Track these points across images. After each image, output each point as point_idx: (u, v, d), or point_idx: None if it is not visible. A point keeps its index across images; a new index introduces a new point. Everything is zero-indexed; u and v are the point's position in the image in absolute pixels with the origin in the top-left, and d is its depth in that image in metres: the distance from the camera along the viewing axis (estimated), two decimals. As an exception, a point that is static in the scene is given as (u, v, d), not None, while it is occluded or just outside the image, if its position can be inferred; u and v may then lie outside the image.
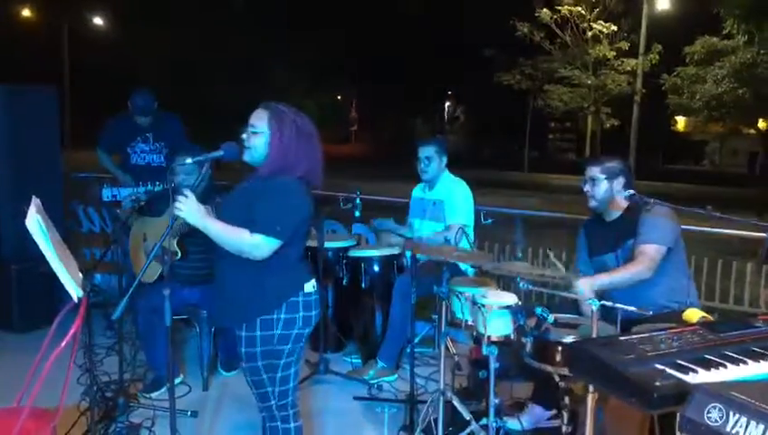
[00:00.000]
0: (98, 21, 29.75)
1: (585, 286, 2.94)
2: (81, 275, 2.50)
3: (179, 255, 3.64)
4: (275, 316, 2.41)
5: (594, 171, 3.18)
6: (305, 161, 2.45)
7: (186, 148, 4.63)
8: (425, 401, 3.34)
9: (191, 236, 3.49)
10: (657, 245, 3.01)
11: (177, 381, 3.75)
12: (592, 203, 3.22)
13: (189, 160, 2.55)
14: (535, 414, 3.35)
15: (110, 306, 4.69)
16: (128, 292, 2.32)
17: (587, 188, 3.22)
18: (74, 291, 2.31)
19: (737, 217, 3.92)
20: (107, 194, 4.03)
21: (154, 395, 3.73)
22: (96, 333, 3.72)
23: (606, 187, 3.16)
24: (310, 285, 2.51)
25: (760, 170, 25.11)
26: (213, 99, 26.70)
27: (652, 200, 3.00)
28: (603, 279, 3.03)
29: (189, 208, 2.34)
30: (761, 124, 20.86)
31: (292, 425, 2.54)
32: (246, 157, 2.48)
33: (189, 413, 3.46)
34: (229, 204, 2.54)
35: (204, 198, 3.02)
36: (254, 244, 2.34)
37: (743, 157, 37.12)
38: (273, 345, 2.42)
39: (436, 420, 3.12)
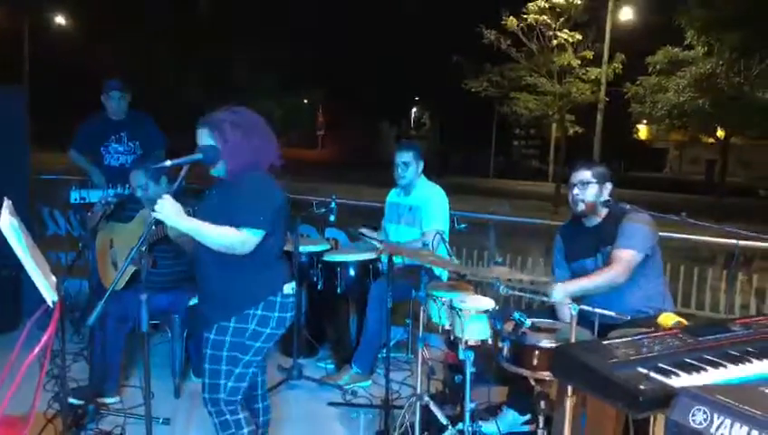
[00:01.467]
0: (60, 20, 29.17)
1: (560, 292, 2.97)
2: (54, 278, 2.44)
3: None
4: (252, 312, 2.46)
5: (585, 175, 3.15)
6: (263, 151, 2.52)
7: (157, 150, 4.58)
8: (400, 407, 3.35)
9: (160, 244, 3.42)
10: (634, 251, 3.03)
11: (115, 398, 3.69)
12: (580, 207, 3.17)
13: (168, 163, 2.51)
14: (511, 418, 3.37)
15: (76, 311, 4.65)
16: (102, 297, 2.28)
17: (576, 191, 3.17)
18: (49, 295, 2.26)
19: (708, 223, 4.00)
20: (75, 196, 3.96)
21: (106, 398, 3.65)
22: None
23: (596, 191, 3.13)
24: (289, 287, 2.56)
25: (717, 178, 25.77)
26: (177, 100, 26.36)
27: (628, 206, 3.06)
28: (578, 285, 3.05)
29: (168, 211, 2.34)
30: (719, 133, 21.38)
31: (241, 416, 2.55)
32: (213, 172, 2.54)
33: (161, 420, 3.40)
34: (204, 210, 2.56)
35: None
36: (241, 238, 2.38)
37: (702, 165, 38.03)
38: (243, 339, 2.46)
39: (412, 425, 3.13)
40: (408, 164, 4.16)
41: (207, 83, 27.12)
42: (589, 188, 3.14)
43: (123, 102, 4.78)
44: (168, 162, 2.49)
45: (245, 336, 2.46)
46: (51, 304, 2.29)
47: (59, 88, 24.79)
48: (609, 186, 3.17)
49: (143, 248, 2.36)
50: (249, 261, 2.43)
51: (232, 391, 2.50)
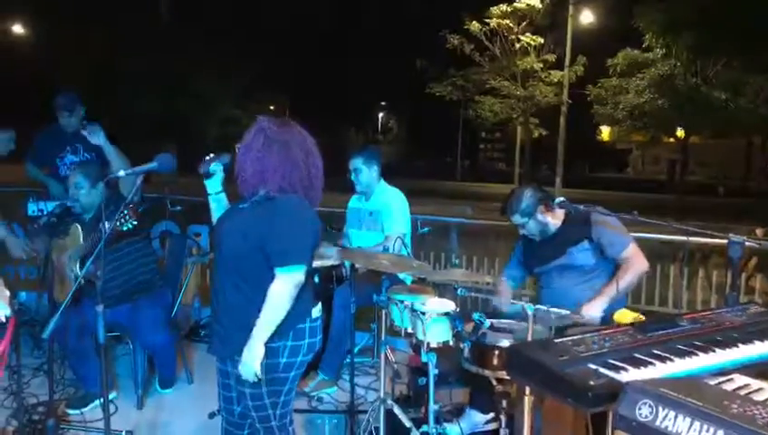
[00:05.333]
0: (17, 28, 28.64)
1: (592, 311, 2.96)
2: (8, 292, 2.40)
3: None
4: (282, 344, 2.34)
5: (518, 220, 3.26)
6: (280, 170, 2.33)
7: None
8: (365, 411, 3.36)
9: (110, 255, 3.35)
10: (632, 243, 3.17)
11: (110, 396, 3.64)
12: (538, 238, 3.32)
13: (122, 173, 2.49)
14: (474, 419, 3.40)
15: (36, 325, 4.57)
16: (58, 310, 2.26)
17: (524, 232, 3.31)
18: (2, 310, 2.22)
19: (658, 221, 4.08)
20: (32, 208, 3.89)
21: (85, 410, 3.62)
22: (22, 353, 3.57)
23: (535, 222, 3.25)
24: (316, 310, 2.47)
25: (678, 177, 26.34)
26: (139, 109, 26.00)
27: (581, 207, 3.12)
28: (607, 296, 3.03)
29: (249, 363, 2.27)
30: (679, 133, 21.84)
31: (289, 429, 2.51)
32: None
33: (124, 433, 3.35)
34: (231, 230, 2.41)
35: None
36: (291, 288, 2.27)
37: (663, 164, 38.77)
38: (277, 373, 2.36)
39: (377, 429, 3.14)
40: (358, 170, 4.18)
41: (170, 91, 26.80)
42: (529, 225, 3.27)
43: (73, 119, 4.69)
44: (122, 172, 2.46)
45: (279, 370, 2.35)
46: (4, 320, 2.25)
47: (13, 97, 24.28)
48: (541, 207, 3.24)
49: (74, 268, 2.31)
50: None
51: (281, 416, 2.44)
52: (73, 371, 3.82)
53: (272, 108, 39.65)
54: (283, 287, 2.26)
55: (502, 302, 3.29)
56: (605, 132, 37.96)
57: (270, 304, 2.26)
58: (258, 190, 2.35)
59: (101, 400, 3.52)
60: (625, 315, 2.72)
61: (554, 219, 3.29)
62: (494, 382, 2.80)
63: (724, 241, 2.68)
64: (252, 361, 2.27)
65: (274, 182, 2.33)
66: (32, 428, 3.29)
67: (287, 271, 2.27)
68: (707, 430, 1.34)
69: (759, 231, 6.67)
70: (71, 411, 3.63)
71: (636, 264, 3.13)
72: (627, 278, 3.10)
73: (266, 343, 2.29)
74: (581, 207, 3.12)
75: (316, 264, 4.18)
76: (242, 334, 2.31)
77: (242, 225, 2.35)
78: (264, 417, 2.43)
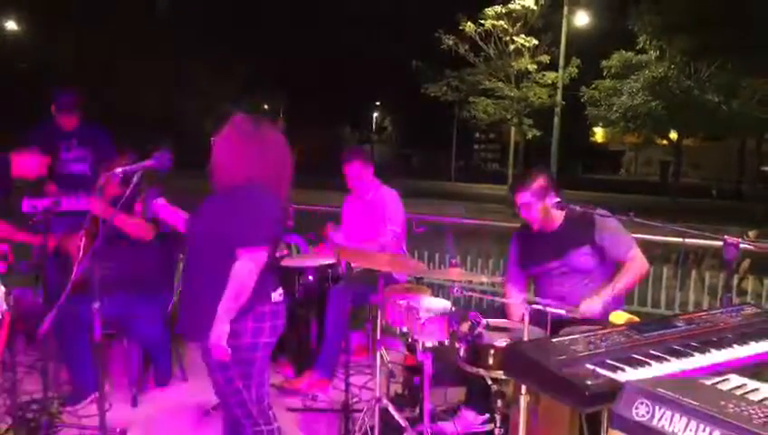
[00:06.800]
0: (11, 24, 28.48)
1: (591, 307, 2.96)
2: (3, 289, 2.39)
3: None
4: (243, 324, 2.38)
5: (525, 197, 3.19)
6: (251, 167, 2.40)
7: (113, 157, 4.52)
8: (360, 411, 3.36)
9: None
10: (634, 247, 3.17)
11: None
12: (535, 226, 3.26)
13: (119, 171, 2.49)
14: (469, 418, 3.41)
15: (29, 321, 4.53)
16: (54, 306, 2.25)
17: (523, 214, 3.24)
18: (-3, 306, 2.22)
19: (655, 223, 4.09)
20: (27, 205, 3.87)
21: (79, 407, 3.61)
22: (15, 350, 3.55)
23: (541, 207, 3.19)
24: (277, 295, 2.50)
25: (671, 179, 26.42)
26: (135, 107, 25.94)
27: (578, 207, 3.12)
28: (608, 294, 3.03)
29: (217, 342, 2.29)
30: (672, 135, 21.90)
31: (275, 425, 2.54)
32: None
33: (118, 431, 3.34)
34: (196, 225, 2.49)
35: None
36: (250, 267, 2.31)
37: (656, 166, 38.92)
38: (243, 353, 2.39)
39: (372, 429, 3.14)
40: (353, 170, 4.20)
41: (165, 90, 26.75)
42: (533, 208, 3.20)
43: (73, 115, 4.70)
44: (119, 170, 2.46)
45: (244, 349, 2.39)
46: (-1, 316, 2.24)
47: (12, 97, 24.18)
48: (552, 194, 3.19)
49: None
50: None
51: (258, 399, 2.47)
52: (67, 365, 3.80)
53: (266, 107, 39.61)
54: (245, 265, 2.31)
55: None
56: (598, 134, 38.06)
57: (233, 281, 2.30)
58: (228, 184, 2.41)
59: (96, 394, 3.53)
60: (619, 317, 2.73)
61: (555, 217, 3.26)
62: (490, 382, 2.80)
63: (719, 243, 2.70)
64: (219, 339, 2.29)
65: (243, 178, 2.40)
66: (25, 426, 3.28)
67: (249, 250, 2.32)
68: (704, 430, 1.34)
69: (751, 233, 6.70)
70: (65, 409, 3.61)
71: (637, 265, 3.14)
72: (626, 278, 3.11)
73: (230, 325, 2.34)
74: (578, 207, 3.12)
75: (311, 263, 4.22)
76: (207, 314, 2.35)
77: (209, 215, 2.44)
78: (241, 402, 2.45)
